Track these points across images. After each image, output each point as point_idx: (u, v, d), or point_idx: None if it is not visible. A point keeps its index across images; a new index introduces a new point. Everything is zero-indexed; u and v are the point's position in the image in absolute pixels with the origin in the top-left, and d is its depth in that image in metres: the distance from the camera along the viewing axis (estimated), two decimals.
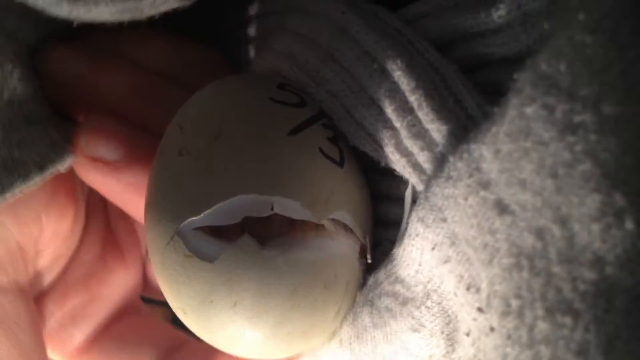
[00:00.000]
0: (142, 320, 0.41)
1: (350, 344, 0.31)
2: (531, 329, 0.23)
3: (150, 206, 0.31)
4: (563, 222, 0.23)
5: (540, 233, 0.23)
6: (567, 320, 0.22)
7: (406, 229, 0.30)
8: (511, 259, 0.24)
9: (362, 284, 0.32)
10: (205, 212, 0.29)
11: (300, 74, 0.32)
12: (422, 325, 0.29)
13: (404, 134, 0.29)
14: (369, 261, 0.32)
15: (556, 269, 0.23)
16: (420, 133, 0.29)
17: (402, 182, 0.31)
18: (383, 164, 0.31)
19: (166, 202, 0.30)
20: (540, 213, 0.23)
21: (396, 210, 0.31)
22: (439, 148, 0.28)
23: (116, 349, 0.39)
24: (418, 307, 0.30)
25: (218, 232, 0.29)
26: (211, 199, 0.29)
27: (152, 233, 0.30)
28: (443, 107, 0.28)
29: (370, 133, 0.30)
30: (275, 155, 0.30)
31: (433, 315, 0.29)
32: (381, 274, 0.31)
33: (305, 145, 0.30)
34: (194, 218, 0.29)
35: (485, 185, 0.25)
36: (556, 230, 0.23)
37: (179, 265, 0.29)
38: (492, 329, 0.25)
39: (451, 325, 0.29)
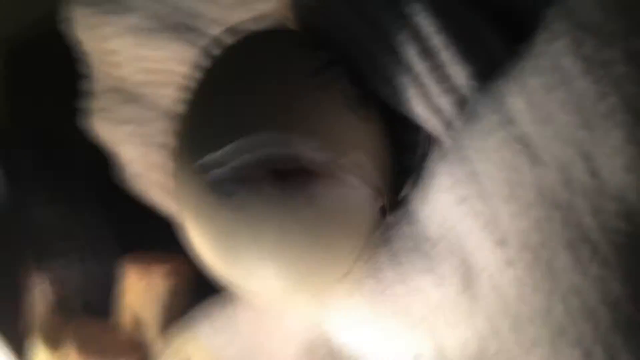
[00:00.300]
0: None
1: (364, 282, 0.32)
2: (551, 261, 0.23)
3: (179, 137, 0.32)
4: (587, 155, 0.23)
5: (563, 167, 0.24)
6: (586, 251, 0.23)
7: (424, 170, 0.30)
8: (533, 193, 0.24)
9: (379, 225, 0.32)
10: (225, 148, 0.29)
11: (321, 19, 0.33)
12: (437, 264, 0.30)
13: (425, 77, 0.29)
14: (382, 204, 0.32)
15: (579, 202, 0.23)
16: (442, 76, 0.29)
17: (420, 128, 0.31)
18: (403, 110, 0.31)
19: (191, 136, 0.31)
20: (564, 148, 0.24)
21: (414, 157, 0.32)
22: (462, 91, 0.28)
23: None
24: (433, 247, 0.30)
25: (238, 170, 0.30)
26: (232, 136, 0.29)
27: (177, 165, 0.31)
28: (468, 49, 0.28)
29: (388, 77, 0.31)
30: (296, 94, 0.30)
31: (448, 253, 0.30)
32: (398, 215, 0.32)
33: (324, 87, 0.31)
34: (216, 152, 0.29)
35: (511, 121, 0.25)
36: (579, 164, 0.23)
37: (200, 200, 0.30)
38: (510, 262, 0.25)
39: (466, 264, 0.29)
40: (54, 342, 0.45)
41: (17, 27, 0.64)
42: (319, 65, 0.31)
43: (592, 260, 0.22)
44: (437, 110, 0.29)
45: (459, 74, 0.28)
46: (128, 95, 0.43)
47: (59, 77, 0.61)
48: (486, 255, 0.27)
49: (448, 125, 0.28)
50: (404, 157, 0.33)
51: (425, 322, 0.31)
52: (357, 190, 0.31)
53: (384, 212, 0.33)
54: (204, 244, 0.31)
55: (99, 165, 0.56)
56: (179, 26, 0.39)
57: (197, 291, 0.44)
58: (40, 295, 0.47)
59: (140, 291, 0.44)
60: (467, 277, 0.29)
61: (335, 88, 0.31)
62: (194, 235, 0.31)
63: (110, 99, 0.43)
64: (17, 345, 0.46)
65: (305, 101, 0.30)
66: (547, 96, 0.24)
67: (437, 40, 0.29)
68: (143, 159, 0.44)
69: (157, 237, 0.51)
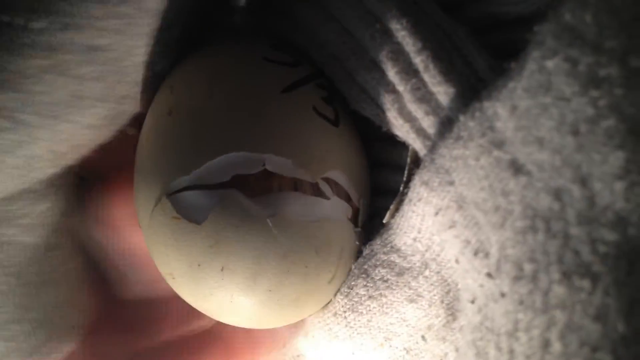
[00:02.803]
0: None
1: (346, 315, 0.30)
2: (546, 293, 0.22)
3: (139, 169, 0.30)
4: (583, 181, 0.22)
5: (558, 193, 0.22)
6: (585, 283, 0.21)
7: (405, 194, 0.29)
8: (526, 221, 0.23)
9: (358, 252, 0.31)
10: (194, 171, 0.27)
11: (299, 35, 0.31)
12: (419, 295, 0.28)
13: (407, 97, 0.28)
14: (359, 226, 0.31)
15: (574, 231, 0.22)
16: (425, 97, 0.27)
17: (404, 149, 0.30)
18: (385, 129, 0.30)
19: (155, 164, 0.29)
20: (558, 172, 0.22)
21: (397, 179, 0.30)
22: (446, 112, 0.27)
23: None
24: (415, 277, 0.29)
25: (207, 194, 0.28)
26: (201, 158, 0.27)
27: (141, 196, 0.29)
28: (451, 69, 0.27)
29: (372, 97, 0.29)
30: (268, 112, 0.29)
31: (432, 284, 0.28)
32: (376, 244, 0.30)
33: (298, 103, 0.29)
34: (183, 177, 0.27)
35: (499, 144, 0.24)
36: (575, 190, 0.22)
37: (167, 228, 0.28)
38: (502, 295, 0.23)
39: (451, 294, 0.28)
40: None
41: None
42: (292, 82, 0.30)
43: (592, 294, 0.21)
44: (420, 131, 0.28)
45: (442, 95, 0.27)
46: None
47: None
48: (476, 285, 0.25)
49: (433, 147, 0.27)
50: (388, 179, 0.32)
51: (409, 353, 0.29)
52: (334, 210, 0.29)
53: (365, 237, 0.31)
54: (175, 278, 0.29)
55: None
56: None
57: None
58: None
59: None
60: (453, 308, 0.28)
61: (309, 103, 0.30)
62: (164, 270, 0.29)
63: None
64: None
65: (277, 118, 0.29)
66: (539, 119, 0.22)
67: (419, 60, 0.27)
68: None
69: None
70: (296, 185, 0.28)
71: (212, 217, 0.27)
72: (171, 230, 0.28)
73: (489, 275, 0.24)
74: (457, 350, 0.27)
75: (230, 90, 0.29)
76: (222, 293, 0.28)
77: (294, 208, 0.28)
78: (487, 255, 0.24)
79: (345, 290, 0.30)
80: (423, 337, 0.29)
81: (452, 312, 0.28)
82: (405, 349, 0.30)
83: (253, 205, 0.28)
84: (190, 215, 0.28)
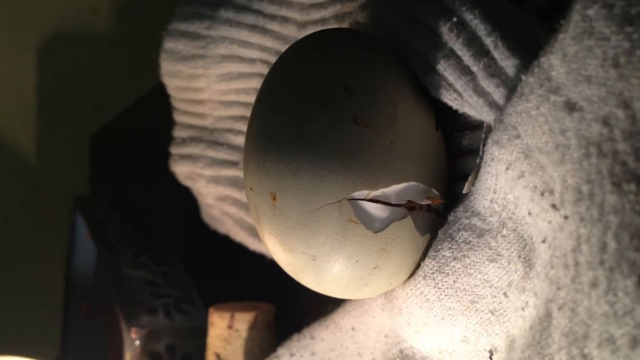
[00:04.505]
0: None
1: (434, 277, 0.34)
2: (601, 205, 0.25)
3: (313, 161, 0.32)
4: (626, 104, 0.25)
5: (606, 120, 0.25)
6: (632, 186, 0.24)
7: (480, 164, 0.32)
8: (581, 150, 0.26)
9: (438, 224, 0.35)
10: (382, 190, 0.33)
11: (390, 39, 0.36)
12: (499, 254, 0.31)
13: (480, 75, 0.32)
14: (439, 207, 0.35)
15: (621, 146, 0.25)
16: (495, 72, 0.31)
17: (481, 131, 0.34)
18: (461, 111, 0.34)
19: (337, 167, 0.32)
20: (605, 102, 0.26)
21: (476, 162, 0.34)
22: (513, 82, 0.31)
23: None
24: (494, 237, 0.32)
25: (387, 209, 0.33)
26: (389, 178, 0.32)
27: (316, 187, 0.32)
28: (517, 44, 0.31)
29: (450, 82, 0.33)
30: (434, 148, 0.35)
31: (509, 242, 0.31)
32: (459, 210, 0.34)
33: (441, 138, 0.36)
34: (372, 192, 0.32)
35: (556, 90, 0.27)
36: (620, 113, 0.25)
37: (337, 225, 0.33)
38: (565, 218, 0.27)
39: (527, 248, 0.31)
40: None
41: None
42: (435, 117, 0.35)
43: (638, 194, 0.24)
44: (493, 104, 0.32)
45: (510, 67, 0.31)
46: (208, 143, 0.47)
47: (136, 155, 0.66)
48: (545, 224, 0.28)
49: (500, 112, 0.31)
50: (470, 162, 0.36)
51: (494, 314, 0.32)
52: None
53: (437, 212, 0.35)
54: (313, 260, 0.34)
55: (180, 226, 0.60)
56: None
57: (279, 334, 0.47)
58: (131, 349, 0.50)
59: (226, 339, 0.46)
60: (530, 260, 0.30)
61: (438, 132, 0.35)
62: (303, 250, 0.34)
63: (193, 146, 0.47)
64: None
65: (439, 155, 0.35)
66: (586, 60, 0.26)
67: (489, 41, 0.31)
68: (216, 193, 0.47)
69: (239, 287, 0.54)
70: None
71: (388, 229, 0.33)
72: (343, 229, 0.33)
73: (554, 207, 0.27)
74: (535, 294, 0.30)
75: (409, 121, 0.34)
76: (366, 288, 0.34)
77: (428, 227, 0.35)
78: (552, 192, 0.28)
79: (433, 253, 0.34)
80: (505, 294, 0.32)
81: (528, 264, 0.30)
82: (490, 311, 0.32)
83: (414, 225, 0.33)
84: (369, 224, 0.33)
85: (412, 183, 0.33)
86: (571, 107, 0.27)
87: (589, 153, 0.26)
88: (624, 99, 0.25)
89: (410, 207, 0.33)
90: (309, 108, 0.32)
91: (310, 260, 0.33)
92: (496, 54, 0.31)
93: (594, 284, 0.25)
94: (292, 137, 0.32)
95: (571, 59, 0.27)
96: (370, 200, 0.32)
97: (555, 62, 0.27)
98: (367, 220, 0.32)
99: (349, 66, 0.33)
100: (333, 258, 0.33)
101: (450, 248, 0.33)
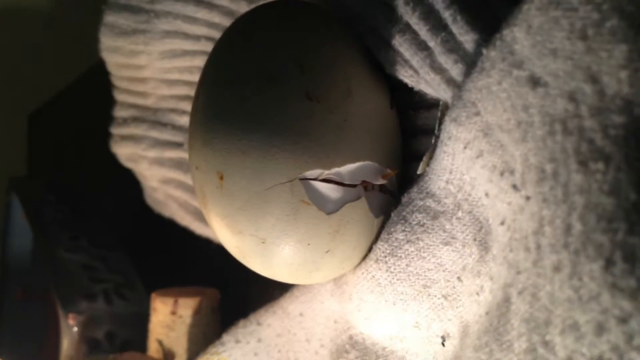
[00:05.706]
0: None
1: (386, 260, 0.32)
2: (566, 184, 0.24)
3: (263, 138, 0.30)
4: (593, 78, 0.24)
5: (572, 95, 0.24)
6: (600, 165, 0.23)
7: (436, 144, 0.31)
8: (545, 127, 0.25)
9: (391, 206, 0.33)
10: (335, 170, 0.31)
11: (343, 12, 0.35)
12: (453, 237, 0.30)
13: (438, 50, 0.30)
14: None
15: (588, 123, 0.24)
16: (454, 47, 0.30)
17: (437, 110, 0.32)
18: (417, 89, 0.32)
19: (288, 144, 0.30)
20: (571, 76, 0.24)
21: (431, 141, 0.33)
22: (472, 58, 0.29)
23: None
24: (449, 220, 0.30)
25: (341, 189, 0.32)
26: (342, 157, 0.31)
27: (266, 166, 0.30)
28: (477, 18, 0.29)
29: (406, 59, 0.32)
30: (389, 127, 0.33)
31: (464, 225, 0.30)
32: (413, 191, 0.32)
33: (396, 116, 0.34)
34: (324, 171, 0.31)
35: (519, 64, 0.26)
36: (587, 88, 0.24)
37: (288, 206, 0.31)
38: (527, 198, 0.25)
39: (483, 231, 0.29)
40: None
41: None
42: (390, 95, 0.34)
43: (606, 173, 0.23)
44: (451, 81, 0.30)
45: (469, 43, 0.29)
46: (151, 123, 0.45)
47: (77, 133, 0.64)
48: (504, 206, 0.27)
49: (459, 88, 0.29)
50: (424, 142, 0.34)
51: (447, 299, 0.31)
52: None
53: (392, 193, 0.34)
54: (263, 243, 0.32)
55: (122, 209, 0.57)
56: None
57: (224, 320, 0.45)
58: (68, 336, 0.48)
59: (169, 326, 0.45)
60: (486, 243, 0.29)
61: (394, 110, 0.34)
62: (252, 233, 0.32)
63: (134, 127, 0.45)
64: None
65: (393, 134, 0.34)
66: (552, 32, 0.25)
67: (447, 14, 0.30)
68: (160, 175, 0.46)
69: (182, 272, 0.52)
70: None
71: (341, 211, 0.31)
72: (294, 209, 0.31)
73: (514, 187, 0.26)
74: (491, 279, 0.29)
75: (364, 96, 0.32)
76: (320, 272, 0.33)
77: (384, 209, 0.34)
78: (512, 172, 0.26)
79: (385, 236, 0.32)
80: (459, 278, 0.31)
81: (484, 247, 0.29)
82: (443, 295, 0.31)
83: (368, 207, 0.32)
84: (321, 204, 0.31)
85: (366, 162, 0.31)
86: (535, 82, 0.25)
87: (553, 130, 0.25)
88: (591, 73, 0.24)
89: (364, 187, 0.32)
90: (259, 82, 0.30)
91: (259, 243, 0.31)
92: (454, 28, 0.30)
93: (557, 268, 0.23)
94: (239, 113, 0.30)
95: (536, 32, 0.25)
96: (323, 180, 0.31)
97: (518, 35, 0.26)
98: (319, 201, 0.31)
99: (302, 40, 0.32)
100: (283, 241, 0.31)
101: (403, 231, 0.32)
